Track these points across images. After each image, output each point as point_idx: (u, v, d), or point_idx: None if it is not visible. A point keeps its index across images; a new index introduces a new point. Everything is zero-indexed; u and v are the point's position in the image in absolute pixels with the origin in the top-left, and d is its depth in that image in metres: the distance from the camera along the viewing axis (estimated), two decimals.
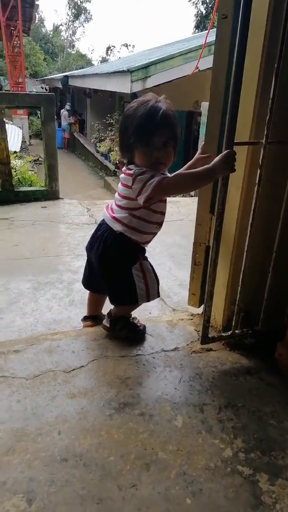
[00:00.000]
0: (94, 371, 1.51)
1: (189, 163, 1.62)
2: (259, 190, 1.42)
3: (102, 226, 1.59)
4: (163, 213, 1.56)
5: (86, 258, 1.74)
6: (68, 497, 1.06)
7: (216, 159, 1.30)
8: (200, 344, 1.62)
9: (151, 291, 1.60)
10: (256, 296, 1.62)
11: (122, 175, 1.50)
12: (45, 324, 2.04)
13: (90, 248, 1.65)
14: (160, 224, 1.58)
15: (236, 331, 1.62)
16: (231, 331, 1.62)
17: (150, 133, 1.36)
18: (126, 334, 1.70)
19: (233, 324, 1.61)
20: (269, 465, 1.18)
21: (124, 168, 1.50)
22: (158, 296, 1.66)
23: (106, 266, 1.60)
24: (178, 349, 1.67)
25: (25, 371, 1.49)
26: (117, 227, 1.52)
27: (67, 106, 17.88)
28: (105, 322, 1.74)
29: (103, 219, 1.60)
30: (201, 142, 1.71)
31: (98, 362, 1.56)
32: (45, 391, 1.40)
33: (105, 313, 1.80)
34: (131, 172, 1.41)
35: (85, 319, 1.88)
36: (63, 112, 16.95)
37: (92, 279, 1.76)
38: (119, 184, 1.53)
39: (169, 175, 1.45)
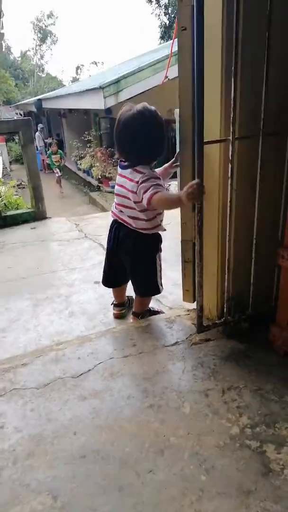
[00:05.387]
0: (101, 373, 1.58)
1: (160, 169, 1.84)
2: (233, 183, 1.52)
3: (123, 227, 1.79)
4: None
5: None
6: (91, 489, 1.12)
7: (183, 190, 1.45)
8: (197, 333, 1.71)
9: (161, 278, 1.92)
10: (245, 283, 1.71)
11: (127, 181, 1.67)
12: (49, 337, 2.10)
13: (115, 247, 1.86)
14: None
15: (229, 317, 1.70)
16: (224, 318, 1.70)
17: None
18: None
19: (225, 311, 1.69)
20: (274, 436, 1.25)
21: (126, 170, 1.68)
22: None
23: (138, 259, 1.83)
24: (178, 343, 1.75)
25: (35, 381, 1.56)
26: (143, 232, 1.76)
27: (40, 128, 17.64)
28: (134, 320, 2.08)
29: (119, 221, 1.80)
30: (178, 149, 1.85)
31: (104, 364, 1.63)
32: (57, 397, 1.47)
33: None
34: (141, 175, 1.62)
35: (114, 305, 2.17)
36: (36, 134, 16.58)
37: (113, 277, 2.03)
38: (119, 187, 1.72)
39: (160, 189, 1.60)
